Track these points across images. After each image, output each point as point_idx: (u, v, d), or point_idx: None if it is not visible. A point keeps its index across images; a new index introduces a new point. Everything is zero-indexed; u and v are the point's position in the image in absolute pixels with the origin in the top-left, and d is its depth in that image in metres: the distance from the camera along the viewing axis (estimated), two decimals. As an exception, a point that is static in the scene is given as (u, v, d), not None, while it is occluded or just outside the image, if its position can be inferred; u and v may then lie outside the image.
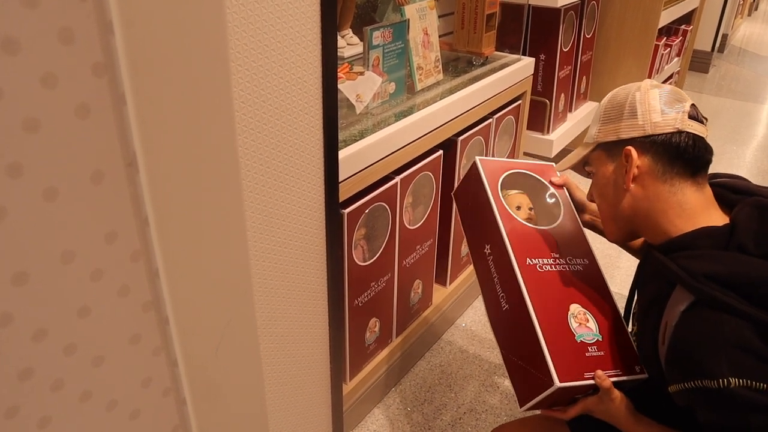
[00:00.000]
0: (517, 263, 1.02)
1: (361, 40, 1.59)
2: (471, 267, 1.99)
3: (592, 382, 0.94)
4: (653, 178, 0.91)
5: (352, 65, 1.41)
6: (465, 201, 1.21)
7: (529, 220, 1.12)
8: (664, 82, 3.25)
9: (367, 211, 1.33)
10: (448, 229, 1.78)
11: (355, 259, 1.36)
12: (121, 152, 0.59)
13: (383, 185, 1.36)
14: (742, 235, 0.83)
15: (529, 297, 0.99)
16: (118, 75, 0.56)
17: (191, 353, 0.74)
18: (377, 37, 1.37)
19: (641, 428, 0.93)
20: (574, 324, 1.00)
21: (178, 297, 0.69)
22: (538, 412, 1.04)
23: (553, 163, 1.21)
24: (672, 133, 0.89)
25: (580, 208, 1.17)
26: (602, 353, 0.99)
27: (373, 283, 1.46)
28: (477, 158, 1.15)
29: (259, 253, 0.86)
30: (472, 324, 1.95)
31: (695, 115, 0.90)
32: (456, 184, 1.26)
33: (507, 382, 1.68)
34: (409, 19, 1.47)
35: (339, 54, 1.55)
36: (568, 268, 1.07)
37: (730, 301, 0.78)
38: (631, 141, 0.92)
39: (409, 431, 1.55)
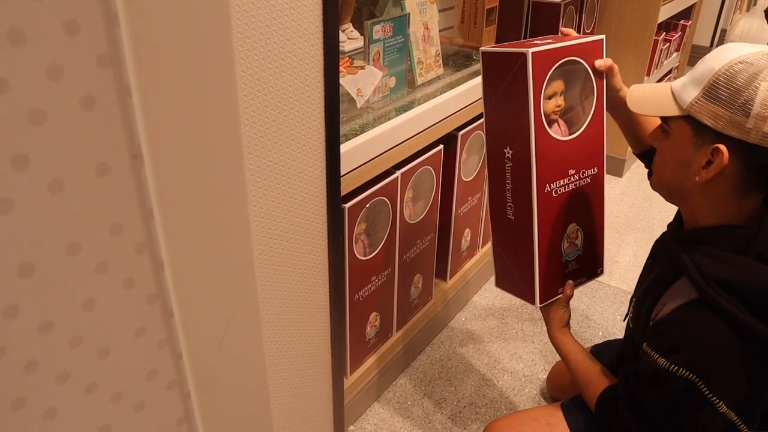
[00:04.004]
0: (537, 191, 1.04)
1: (361, 35, 1.58)
2: (471, 262, 1.99)
3: (561, 295, 1.09)
4: (729, 185, 0.83)
5: (352, 59, 1.41)
6: (497, 88, 1.11)
7: (557, 108, 1.06)
8: (663, 77, 3.25)
9: (367, 205, 1.33)
10: (449, 224, 1.78)
11: (356, 254, 1.36)
12: (126, 144, 0.59)
13: (384, 180, 1.36)
14: (764, 243, 0.82)
15: (537, 226, 1.04)
16: (123, 67, 0.56)
17: (196, 346, 0.74)
18: (378, 31, 1.36)
19: (565, 339, 1.08)
20: (565, 245, 1.08)
21: (182, 289, 0.69)
22: (531, 405, 1.10)
23: (603, 36, 1.10)
24: None
25: (612, 88, 1.09)
26: (578, 266, 1.11)
27: (374, 278, 1.47)
28: (529, 51, 0.99)
29: (261, 246, 0.86)
30: (472, 319, 1.95)
31: None
32: (484, 82, 1.16)
33: (507, 377, 1.69)
34: (409, 14, 1.47)
35: (340, 48, 1.55)
36: (579, 183, 1.09)
37: (733, 310, 0.78)
38: (727, 138, 0.80)
39: (410, 425, 1.55)
